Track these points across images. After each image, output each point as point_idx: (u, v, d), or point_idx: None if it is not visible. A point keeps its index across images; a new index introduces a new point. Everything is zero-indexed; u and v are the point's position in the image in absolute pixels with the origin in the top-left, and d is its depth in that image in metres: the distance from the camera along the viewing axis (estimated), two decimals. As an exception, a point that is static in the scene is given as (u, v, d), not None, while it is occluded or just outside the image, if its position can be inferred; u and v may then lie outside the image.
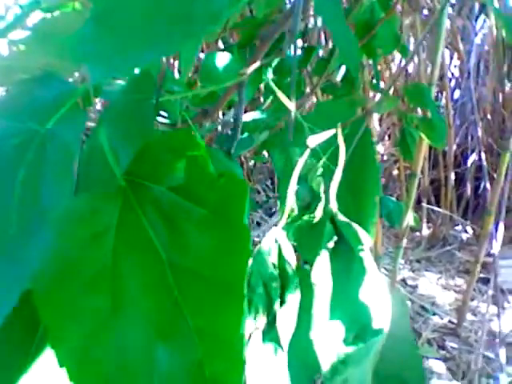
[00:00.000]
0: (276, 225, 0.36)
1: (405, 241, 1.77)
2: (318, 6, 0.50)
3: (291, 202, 0.37)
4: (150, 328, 0.32)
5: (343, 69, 1.43)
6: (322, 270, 0.36)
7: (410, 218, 1.79)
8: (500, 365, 1.75)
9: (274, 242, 0.36)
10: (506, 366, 1.75)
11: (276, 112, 1.28)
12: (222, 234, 0.32)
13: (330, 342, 0.35)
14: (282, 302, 0.36)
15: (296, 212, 0.37)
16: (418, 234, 2.66)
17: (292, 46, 0.48)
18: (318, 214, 0.37)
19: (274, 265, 0.36)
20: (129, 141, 0.39)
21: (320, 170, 0.37)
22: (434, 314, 2.13)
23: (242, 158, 2.78)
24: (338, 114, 0.53)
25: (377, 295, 0.36)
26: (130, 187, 0.35)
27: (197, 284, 0.32)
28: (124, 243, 0.33)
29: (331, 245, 0.37)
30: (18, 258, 0.33)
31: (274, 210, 2.94)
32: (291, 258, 0.36)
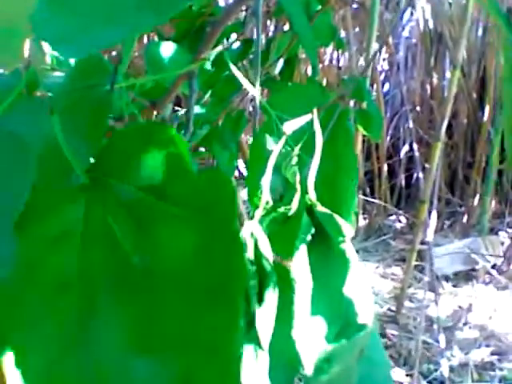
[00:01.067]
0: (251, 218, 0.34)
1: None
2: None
3: (266, 194, 0.34)
4: (125, 339, 0.29)
5: (281, 62, 1.42)
6: (300, 265, 0.34)
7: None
8: (440, 350, 1.80)
9: (250, 237, 0.34)
10: (446, 350, 1.80)
11: (215, 106, 1.25)
12: (208, 238, 0.29)
13: (312, 340, 0.33)
14: (261, 300, 0.33)
15: (270, 204, 0.35)
16: (354, 225, 2.70)
17: (256, 26, 0.46)
18: (294, 205, 0.35)
19: (250, 261, 0.34)
20: (81, 134, 0.36)
21: (295, 159, 0.35)
22: (374, 303, 2.17)
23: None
24: (307, 99, 0.51)
25: (360, 289, 0.34)
26: (94, 186, 0.31)
27: (176, 290, 0.29)
28: (91, 248, 0.30)
29: (309, 238, 0.35)
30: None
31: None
32: (268, 253, 0.34)
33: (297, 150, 0.35)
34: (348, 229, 0.34)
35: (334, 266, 0.35)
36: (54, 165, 0.31)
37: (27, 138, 0.30)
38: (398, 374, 1.79)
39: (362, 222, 2.72)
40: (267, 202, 0.35)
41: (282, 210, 0.35)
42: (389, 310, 2.14)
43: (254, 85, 1.59)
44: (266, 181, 0.34)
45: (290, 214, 0.35)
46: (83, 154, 0.32)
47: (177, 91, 0.71)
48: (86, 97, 0.38)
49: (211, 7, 1.28)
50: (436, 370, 1.79)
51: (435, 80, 2.67)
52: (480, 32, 2.48)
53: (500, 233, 2.53)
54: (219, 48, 0.99)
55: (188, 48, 1.28)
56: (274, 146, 0.34)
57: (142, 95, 0.68)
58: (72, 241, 0.30)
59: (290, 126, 0.35)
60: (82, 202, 0.31)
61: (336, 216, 0.35)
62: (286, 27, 1.40)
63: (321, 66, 2.38)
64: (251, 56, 1.44)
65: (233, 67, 0.45)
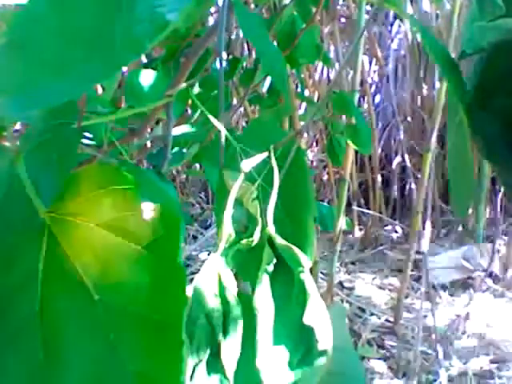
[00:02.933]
0: (215, 243, 0.35)
1: (339, 244, 1.80)
2: (241, 21, 0.49)
3: (228, 227, 0.36)
4: (87, 376, 0.30)
5: (269, 80, 1.44)
6: (263, 295, 0.36)
7: (342, 222, 1.82)
8: (438, 360, 1.80)
9: (213, 270, 0.35)
10: (444, 360, 1.81)
11: (205, 125, 1.27)
12: (157, 271, 0.30)
13: (275, 368, 0.34)
14: (226, 332, 0.35)
15: (233, 236, 0.36)
16: (350, 236, 2.71)
17: (218, 63, 0.47)
18: (256, 237, 0.36)
19: (214, 294, 0.35)
20: (51, 172, 0.37)
21: (255, 193, 0.37)
22: (372, 315, 2.17)
23: (174, 172, 2.75)
24: (269, 133, 0.53)
25: (319, 317, 0.35)
26: (54, 225, 0.33)
27: (133, 325, 0.30)
28: (52, 286, 0.31)
29: (271, 268, 0.36)
30: None
31: (209, 222, 2.92)
32: (231, 285, 0.35)
33: (256, 185, 0.37)
34: (306, 260, 0.36)
35: (294, 296, 0.36)
36: (15, 206, 0.32)
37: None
38: (397, 385, 1.80)
39: (358, 233, 2.73)
40: (230, 235, 0.36)
41: (245, 241, 0.37)
42: (387, 320, 2.14)
43: (242, 101, 1.59)
44: (228, 215, 0.36)
45: (253, 245, 0.37)
46: (50, 191, 0.34)
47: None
48: (55, 135, 0.39)
49: (198, 28, 1.31)
50: (435, 381, 1.79)
51: (425, 91, 2.70)
52: (467, 42, 2.51)
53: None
54: (202, 75, 1.00)
55: (174, 68, 1.31)
56: (235, 181, 0.36)
57: (123, 123, 0.70)
58: (33, 282, 0.31)
59: (248, 164, 0.36)
60: (42, 242, 0.32)
61: (294, 248, 0.36)
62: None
63: (311, 80, 2.40)
64: (239, 73, 1.46)
65: (197, 102, 0.46)
